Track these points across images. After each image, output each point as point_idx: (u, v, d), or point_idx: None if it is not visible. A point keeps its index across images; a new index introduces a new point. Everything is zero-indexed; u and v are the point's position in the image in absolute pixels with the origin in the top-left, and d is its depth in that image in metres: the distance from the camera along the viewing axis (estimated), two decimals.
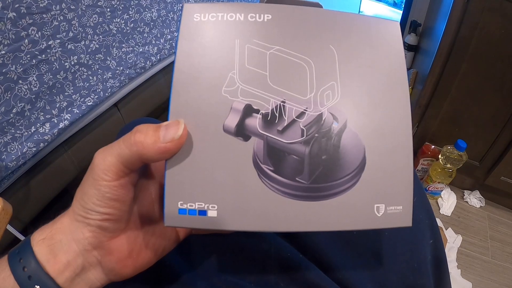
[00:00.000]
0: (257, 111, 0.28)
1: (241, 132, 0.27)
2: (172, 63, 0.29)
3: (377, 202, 0.28)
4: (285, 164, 0.28)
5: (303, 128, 0.28)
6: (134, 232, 0.30)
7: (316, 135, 0.28)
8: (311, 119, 0.28)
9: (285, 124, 0.28)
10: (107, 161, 0.26)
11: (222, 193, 0.27)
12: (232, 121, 0.27)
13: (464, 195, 1.53)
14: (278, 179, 0.27)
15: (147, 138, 0.26)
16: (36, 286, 0.26)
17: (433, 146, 1.43)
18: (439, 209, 1.45)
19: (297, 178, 0.27)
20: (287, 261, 0.44)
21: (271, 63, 0.28)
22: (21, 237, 0.74)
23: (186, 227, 0.28)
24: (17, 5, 0.68)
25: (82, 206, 0.27)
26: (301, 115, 0.28)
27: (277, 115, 0.28)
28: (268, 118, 0.28)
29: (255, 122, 0.28)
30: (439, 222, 1.39)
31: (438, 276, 0.51)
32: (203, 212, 0.27)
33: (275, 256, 0.44)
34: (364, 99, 0.29)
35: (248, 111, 0.28)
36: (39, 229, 0.29)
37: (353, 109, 0.28)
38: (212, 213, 0.27)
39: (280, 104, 0.28)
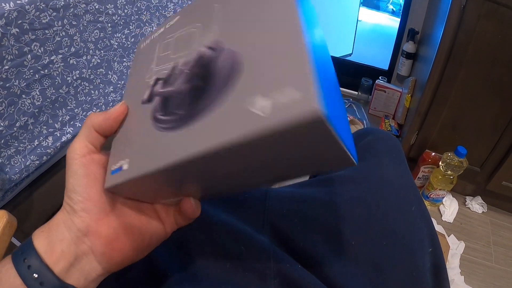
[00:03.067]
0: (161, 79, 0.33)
1: (151, 98, 0.32)
2: None
3: (259, 98, 0.21)
4: (171, 105, 0.29)
5: (187, 71, 0.30)
6: (119, 215, 0.33)
7: (197, 70, 0.29)
8: (192, 61, 0.30)
9: (176, 78, 0.31)
10: (74, 143, 0.32)
11: (131, 147, 0.31)
12: (146, 94, 0.33)
13: (466, 201, 1.52)
14: (164, 119, 0.29)
15: (97, 114, 0.32)
16: (34, 274, 0.28)
17: (433, 153, 1.43)
18: (441, 216, 1.45)
19: (175, 111, 0.28)
20: (286, 272, 0.44)
21: (175, 45, 0.34)
22: None
23: (115, 184, 0.30)
24: (20, 21, 0.70)
25: (67, 195, 0.31)
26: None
27: (171, 74, 0.32)
28: (166, 80, 0.32)
29: (158, 86, 0.32)
30: (441, 229, 1.39)
31: (438, 284, 0.51)
32: (120, 168, 0.30)
33: (275, 266, 0.44)
34: (244, 23, 0.27)
35: (156, 82, 0.33)
36: (40, 226, 0.32)
37: (232, 35, 0.28)
38: (125, 166, 0.30)
39: (173, 65, 0.32)
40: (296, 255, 0.47)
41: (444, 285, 0.51)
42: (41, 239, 0.30)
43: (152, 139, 0.29)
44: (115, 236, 0.32)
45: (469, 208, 1.50)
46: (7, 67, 0.70)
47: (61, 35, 0.79)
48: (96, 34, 0.88)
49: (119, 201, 0.33)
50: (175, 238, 0.38)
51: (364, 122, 1.82)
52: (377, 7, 2.73)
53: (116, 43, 0.95)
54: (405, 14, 1.69)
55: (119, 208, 0.33)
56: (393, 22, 2.40)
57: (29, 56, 0.74)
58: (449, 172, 1.33)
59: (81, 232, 0.30)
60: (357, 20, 2.50)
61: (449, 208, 1.47)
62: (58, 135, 0.86)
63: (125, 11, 0.94)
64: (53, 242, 0.30)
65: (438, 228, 1.39)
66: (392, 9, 2.62)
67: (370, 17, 2.66)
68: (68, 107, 0.87)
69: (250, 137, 0.20)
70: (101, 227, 0.31)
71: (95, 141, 0.32)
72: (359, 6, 2.52)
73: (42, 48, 0.76)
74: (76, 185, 0.30)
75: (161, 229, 0.35)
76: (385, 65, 1.95)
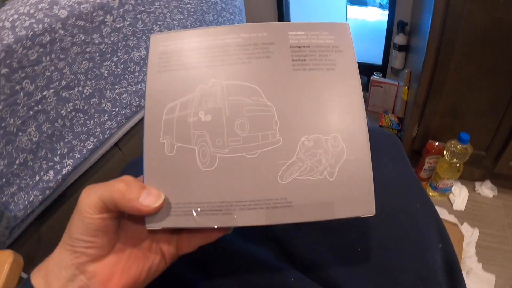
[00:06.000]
0: None
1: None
2: None
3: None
4: None
5: None
6: (116, 256, 0.33)
7: None
8: None
9: None
10: (91, 198, 0.30)
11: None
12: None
13: (475, 187, 1.50)
14: None
15: (128, 192, 0.30)
16: None
17: (437, 143, 1.41)
18: (452, 205, 1.43)
19: None
20: (294, 286, 0.44)
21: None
22: None
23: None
24: (8, 60, 0.71)
25: (69, 236, 0.30)
26: None
27: None
28: None
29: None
30: (453, 219, 1.37)
31: (451, 279, 0.50)
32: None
33: (281, 282, 0.44)
34: None
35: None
36: (38, 265, 0.32)
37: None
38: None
39: None
40: (304, 267, 0.47)
41: (458, 280, 0.51)
42: (38, 278, 0.30)
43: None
44: (112, 275, 0.32)
45: (479, 193, 1.48)
46: (0, 107, 0.71)
47: (50, 69, 0.80)
48: (85, 65, 0.89)
49: (119, 243, 0.33)
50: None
51: None
52: (364, 3, 2.72)
53: (106, 72, 0.96)
54: (392, 7, 1.69)
55: (119, 249, 0.33)
56: (382, 17, 2.40)
57: (21, 94, 0.74)
58: (454, 160, 1.32)
59: (78, 270, 0.31)
60: (346, 18, 2.50)
61: (459, 196, 1.45)
62: (59, 168, 0.86)
63: (111, 39, 0.95)
64: (50, 279, 0.30)
65: (450, 217, 1.37)
66: (380, 3, 2.61)
67: (358, 14, 2.66)
68: (66, 140, 0.88)
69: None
70: (99, 267, 0.31)
71: (113, 209, 0.30)
72: (346, 5, 2.53)
73: (33, 85, 0.77)
74: (84, 235, 0.30)
75: (161, 261, 0.35)
76: (378, 60, 1.94)
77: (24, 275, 0.73)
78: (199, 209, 0.32)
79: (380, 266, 0.47)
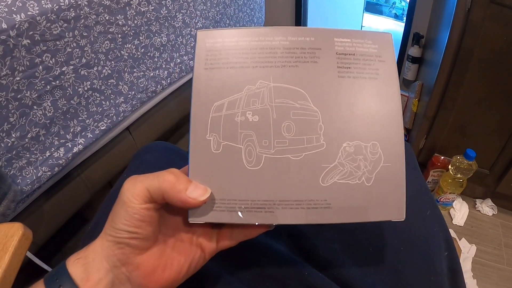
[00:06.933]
0: None
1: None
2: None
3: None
4: None
5: None
6: (159, 249, 0.33)
7: None
8: None
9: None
10: (136, 187, 0.30)
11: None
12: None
13: (476, 204, 1.51)
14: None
15: (178, 183, 0.30)
16: None
17: (442, 157, 1.42)
18: (452, 219, 1.44)
19: None
20: (307, 280, 0.44)
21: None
22: (36, 260, 0.75)
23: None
24: (31, 32, 0.70)
25: (113, 226, 0.30)
26: None
27: None
28: None
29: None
30: (452, 233, 1.38)
31: (455, 287, 0.51)
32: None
33: (296, 275, 0.44)
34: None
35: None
36: (74, 253, 0.31)
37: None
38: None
39: None
40: (316, 263, 0.47)
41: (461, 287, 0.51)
42: (76, 266, 0.30)
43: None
44: (153, 269, 0.32)
45: (479, 211, 1.49)
46: (18, 78, 0.70)
47: (72, 46, 0.80)
48: (106, 45, 0.89)
49: (161, 237, 0.33)
50: None
51: None
52: (380, 12, 2.73)
53: (127, 54, 0.96)
54: (409, 19, 1.68)
55: (161, 242, 0.33)
56: (397, 27, 2.41)
57: (40, 67, 0.74)
58: (458, 176, 1.32)
59: (120, 262, 0.31)
60: (362, 26, 2.51)
61: (460, 211, 1.46)
62: (70, 146, 0.86)
63: (135, 22, 0.94)
64: (89, 269, 0.30)
65: (449, 231, 1.38)
66: (395, 14, 2.62)
67: (373, 23, 2.68)
68: (80, 118, 0.87)
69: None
70: (141, 260, 0.31)
71: (158, 200, 0.31)
72: (363, 12, 2.53)
73: (53, 59, 0.76)
74: (128, 225, 0.30)
75: (201, 256, 0.35)
76: None
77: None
78: (243, 206, 0.33)
79: (390, 267, 0.47)
